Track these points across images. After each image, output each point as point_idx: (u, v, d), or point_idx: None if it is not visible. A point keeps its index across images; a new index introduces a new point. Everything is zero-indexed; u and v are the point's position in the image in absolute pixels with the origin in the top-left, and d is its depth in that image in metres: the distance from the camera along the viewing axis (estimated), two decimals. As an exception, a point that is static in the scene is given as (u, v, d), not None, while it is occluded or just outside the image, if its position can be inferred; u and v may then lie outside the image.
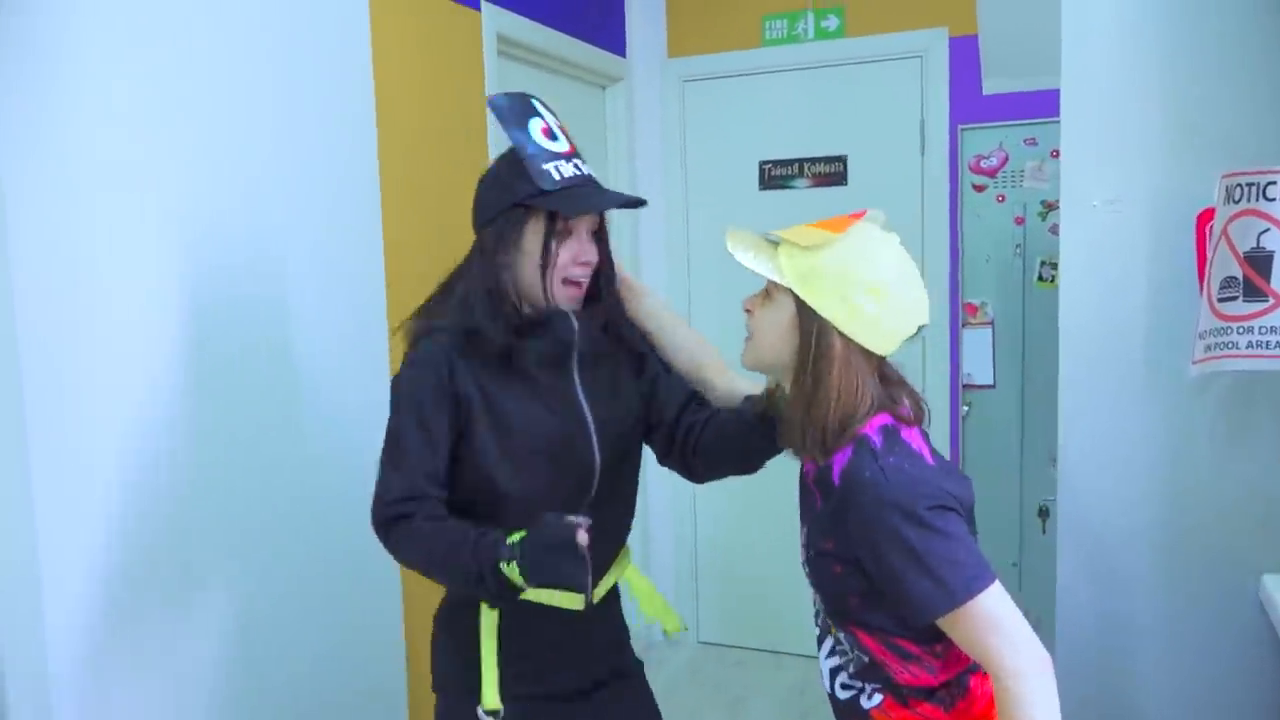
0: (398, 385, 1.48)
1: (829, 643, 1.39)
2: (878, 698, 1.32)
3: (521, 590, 1.35)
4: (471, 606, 1.51)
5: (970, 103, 3.40)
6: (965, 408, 3.51)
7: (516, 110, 1.50)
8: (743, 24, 3.69)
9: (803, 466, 1.38)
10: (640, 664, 1.68)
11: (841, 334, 1.27)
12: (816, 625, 1.42)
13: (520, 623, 1.50)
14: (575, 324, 1.49)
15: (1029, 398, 3.43)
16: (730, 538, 3.91)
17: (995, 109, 3.36)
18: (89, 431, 1.64)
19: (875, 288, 1.27)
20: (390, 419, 1.48)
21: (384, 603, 2.37)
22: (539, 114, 1.51)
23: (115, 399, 1.68)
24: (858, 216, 1.34)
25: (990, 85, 3.33)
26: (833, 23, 3.56)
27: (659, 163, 3.89)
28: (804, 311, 1.28)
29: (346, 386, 2.19)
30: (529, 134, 1.48)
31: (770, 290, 1.34)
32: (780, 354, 1.32)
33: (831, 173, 3.61)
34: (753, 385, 1.53)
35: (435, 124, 2.61)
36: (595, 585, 1.52)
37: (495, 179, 1.51)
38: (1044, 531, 2.56)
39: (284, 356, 2.05)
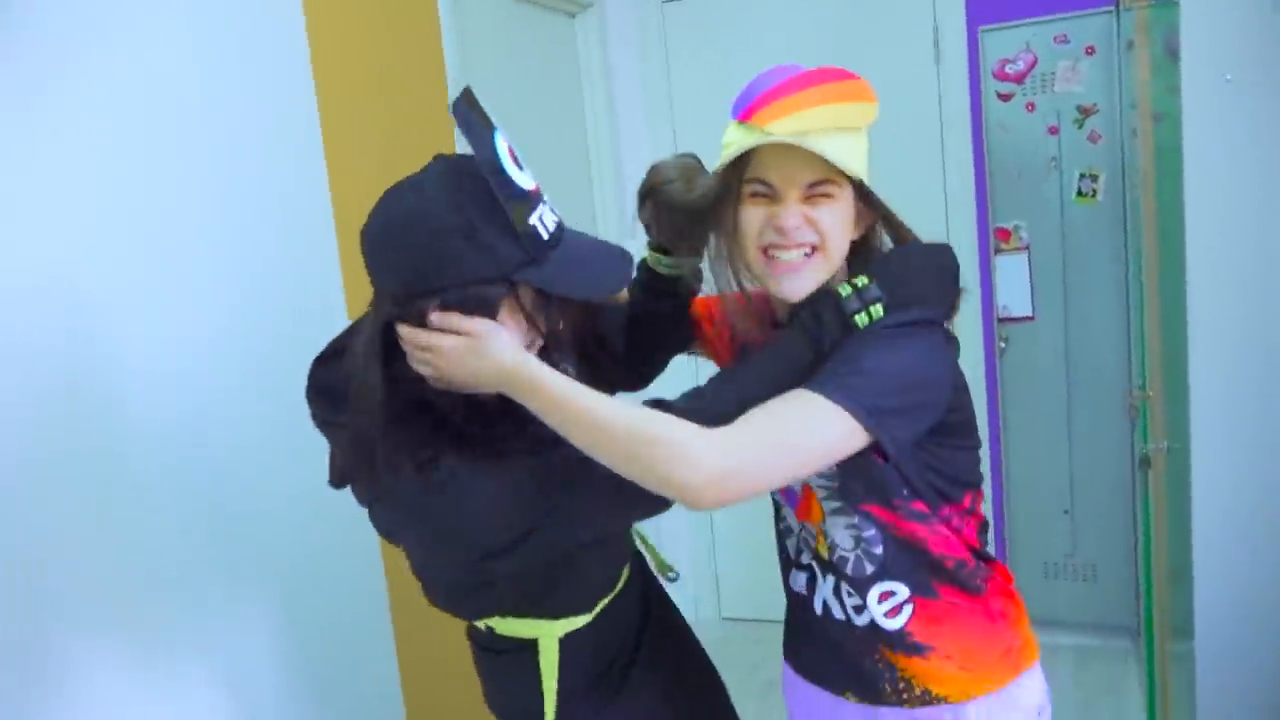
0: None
1: (809, 559, 1.32)
2: (908, 610, 1.25)
3: None
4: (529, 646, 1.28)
5: (990, 0, 3.01)
6: (1002, 344, 3.17)
7: (479, 119, 1.05)
8: (725, -69, 3.28)
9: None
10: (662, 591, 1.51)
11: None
12: (794, 551, 1.35)
13: (583, 637, 1.29)
14: None
15: (1075, 329, 3.09)
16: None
17: (1019, 5, 2.97)
18: None
19: None
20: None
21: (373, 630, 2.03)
22: (496, 126, 1.08)
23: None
24: (843, 77, 1.16)
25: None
26: (827, -78, 3.16)
27: (639, 98, 3.49)
28: (863, 193, 1.19)
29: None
30: (499, 157, 1.04)
31: (826, 186, 1.16)
32: (844, 253, 1.21)
33: (836, 93, 3.22)
34: None
35: (382, 60, 2.19)
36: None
37: (449, 225, 1.03)
38: (1142, 484, 2.21)
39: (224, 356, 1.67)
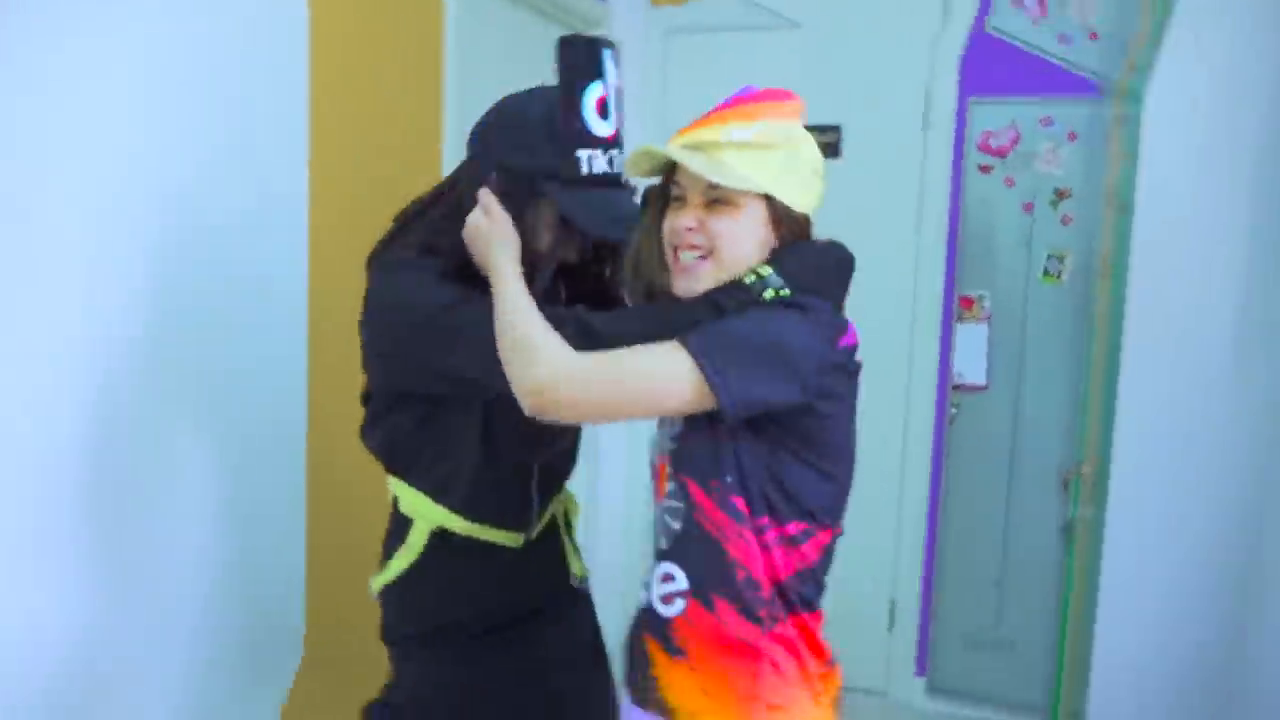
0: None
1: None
2: (679, 603, 1.23)
3: None
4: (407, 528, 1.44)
5: (984, 74, 3.07)
6: (953, 409, 3.20)
7: (582, 63, 1.31)
8: (737, -28, 3.33)
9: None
10: (583, 590, 1.62)
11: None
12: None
13: (451, 552, 1.43)
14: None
15: (1025, 403, 3.12)
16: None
17: (1010, 81, 3.03)
18: None
19: (820, 168, 1.28)
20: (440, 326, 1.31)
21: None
22: (602, 75, 1.32)
23: None
24: (753, 99, 1.26)
25: (995, 21, 3.01)
26: (837, -24, 3.22)
27: (637, 122, 3.51)
28: (777, 210, 1.23)
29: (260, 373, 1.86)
30: (582, 102, 1.30)
31: (724, 195, 1.22)
32: (750, 260, 1.23)
33: (824, 144, 3.25)
34: None
35: (382, 72, 2.19)
36: (539, 518, 1.50)
37: (524, 119, 1.33)
38: (1066, 555, 2.22)
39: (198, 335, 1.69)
